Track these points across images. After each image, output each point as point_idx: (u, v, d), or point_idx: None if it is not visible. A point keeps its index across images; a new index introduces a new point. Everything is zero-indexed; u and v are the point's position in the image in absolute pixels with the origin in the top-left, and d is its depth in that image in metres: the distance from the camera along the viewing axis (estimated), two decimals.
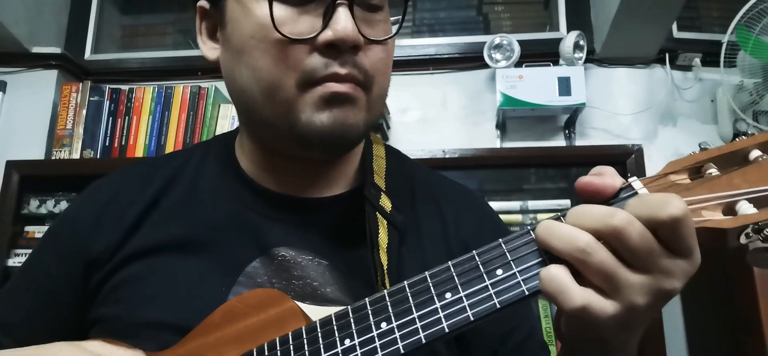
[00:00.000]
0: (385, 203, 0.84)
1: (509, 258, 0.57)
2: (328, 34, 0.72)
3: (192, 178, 0.89)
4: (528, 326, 0.87)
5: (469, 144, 2.45)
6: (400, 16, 0.82)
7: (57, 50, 2.64)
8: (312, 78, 0.73)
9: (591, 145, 2.44)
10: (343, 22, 0.72)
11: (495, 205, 2.19)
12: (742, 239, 0.52)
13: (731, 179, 0.54)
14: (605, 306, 0.51)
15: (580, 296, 0.51)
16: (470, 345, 0.84)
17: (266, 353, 0.65)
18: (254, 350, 0.66)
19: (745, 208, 0.52)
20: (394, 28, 0.81)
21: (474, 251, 0.59)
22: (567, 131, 2.49)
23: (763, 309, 1.77)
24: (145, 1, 3.04)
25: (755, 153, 0.54)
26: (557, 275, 0.52)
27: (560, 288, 0.52)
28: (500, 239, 0.59)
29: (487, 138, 2.52)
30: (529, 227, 0.58)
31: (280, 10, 0.73)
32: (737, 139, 0.57)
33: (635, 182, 0.57)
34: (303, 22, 0.73)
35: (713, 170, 0.55)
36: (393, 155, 0.96)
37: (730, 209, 0.54)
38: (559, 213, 0.57)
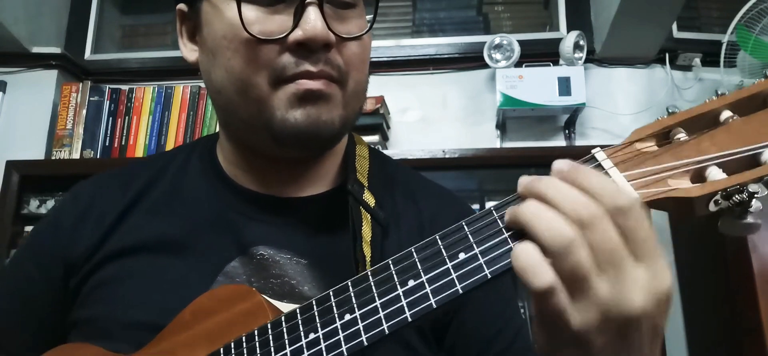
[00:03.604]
0: (369, 198, 0.83)
1: (471, 240, 0.56)
2: (297, 34, 0.72)
3: (173, 178, 0.89)
4: (513, 329, 0.85)
5: (469, 144, 2.44)
6: (373, 12, 0.80)
7: (57, 50, 2.65)
8: (283, 75, 0.73)
9: (591, 145, 2.39)
10: (312, 21, 0.71)
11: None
12: (712, 207, 0.49)
13: (700, 144, 0.52)
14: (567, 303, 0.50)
15: (550, 276, 0.50)
16: (454, 348, 0.83)
17: (233, 351, 0.64)
18: (221, 349, 0.66)
19: (715, 174, 0.50)
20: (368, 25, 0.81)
21: (436, 235, 0.58)
22: (567, 131, 2.49)
23: (763, 309, 1.76)
24: (145, 1, 3.03)
25: (726, 114, 0.52)
26: (530, 251, 0.51)
27: (532, 263, 0.50)
28: (462, 221, 0.57)
29: (487, 138, 2.51)
30: (492, 208, 0.57)
31: (249, 10, 0.72)
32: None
33: (599, 154, 0.56)
34: (273, 22, 0.73)
35: (682, 135, 0.53)
36: (376, 155, 0.95)
37: (698, 176, 0.51)
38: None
